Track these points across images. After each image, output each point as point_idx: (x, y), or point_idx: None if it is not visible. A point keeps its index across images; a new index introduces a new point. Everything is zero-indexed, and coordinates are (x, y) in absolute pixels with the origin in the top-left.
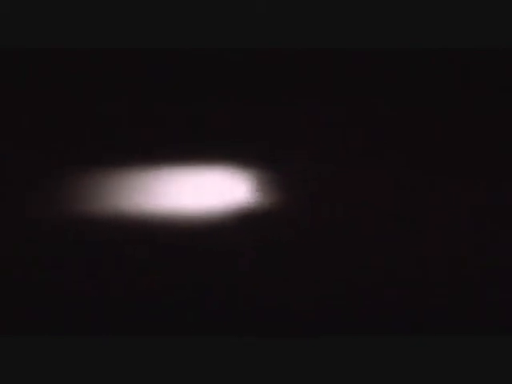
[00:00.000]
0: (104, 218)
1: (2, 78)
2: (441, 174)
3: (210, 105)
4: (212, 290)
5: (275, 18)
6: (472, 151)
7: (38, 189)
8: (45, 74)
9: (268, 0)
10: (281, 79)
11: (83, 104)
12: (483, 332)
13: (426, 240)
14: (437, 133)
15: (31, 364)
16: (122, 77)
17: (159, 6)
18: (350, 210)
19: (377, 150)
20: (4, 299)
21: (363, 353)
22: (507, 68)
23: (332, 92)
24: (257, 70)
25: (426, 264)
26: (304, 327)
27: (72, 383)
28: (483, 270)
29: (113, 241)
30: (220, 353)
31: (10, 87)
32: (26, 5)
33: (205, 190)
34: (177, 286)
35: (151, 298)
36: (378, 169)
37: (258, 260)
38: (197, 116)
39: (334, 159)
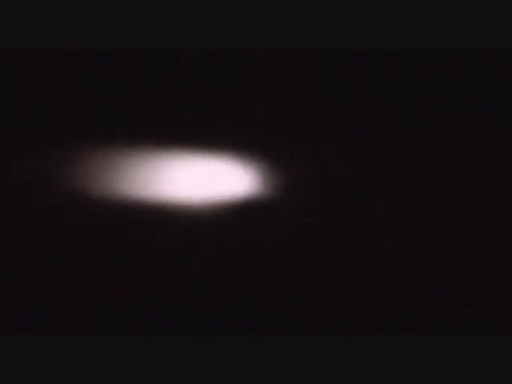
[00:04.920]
0: (104, 206)
1: (2, 77)
2: (442, 173)
3: (209, 103)
4: (209, 281)
5: (275, 18)
6: (473, 146)
7: (38, 187)
8: (45, 74)
9: (268, 0)
10: (281, 79)
11: (84, 99)
12: (483, 332)
13: (427, 237)
14: (436, 130)
15: (30, 364)
16: (122, 76)
17: (159, 5)
18: (350, 205)
19: (375, 146)
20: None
21: (363, 353)
22: (507, 68)
23: (332, 91)
24: (257, 69)
25: (425, 262)
26: (305, 324)
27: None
28: (486, 269)
29: (109, 230)
30: (216, 350)
31: (10, 87)
32: (25, 5)
33: (205, 181)
34: (173, 277)
35: (144, 290)
36: (377, 163)
37: (256, 252)
38: (200, 114)
39: (332, 154)
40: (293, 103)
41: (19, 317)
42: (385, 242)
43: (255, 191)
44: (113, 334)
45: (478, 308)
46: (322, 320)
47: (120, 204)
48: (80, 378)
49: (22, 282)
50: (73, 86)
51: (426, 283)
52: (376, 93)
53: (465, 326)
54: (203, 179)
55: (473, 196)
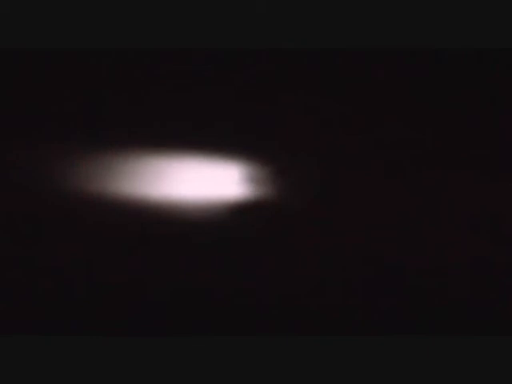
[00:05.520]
0: (105, 208)
1: (2, 78)
2: (442, 173)
3: (209, 104)
4: (208, 284)
5: (275, 18)
6: (474, 147)
7: (37, 187)
8: (45, 74)
9: (268, 0)
10: (280, 79)
11: (85, 99)
12: (483, 332)
13: (427, 238)
14: (437, 130)
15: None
16: (123, 76)
17: (159, 5)
18: (350, 205)
19: (375, 146)
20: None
21: (363, 353)
22: (507, 68)
23: (332, 91)
24: (257, 70)
25: (426, 262)
26: (305, 324)
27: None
28: (486, 269)
29: (109, 232)
30: (216, 350)
31: (9, 87)
32: (25, 5)
33: (203, 183)
34: (171, 279)
35: (144, 291)
36: (377, 163)
37: (256, 252)
38: (199, 114)
39: (332, 156)
40: (292, 103)
41: (19, 317)
42: (385, 242)
43: (255, 192)
44: (113, 334)
45: (478, 308)
46: (322, 320)
47: (120, 205)
48: (80, 378)
49: (21, 282)
50: (73, 86)
51: (425, 283)
52: (376, 93)
53: (465, 326)
54: (203, 180)
55: (473, 196)
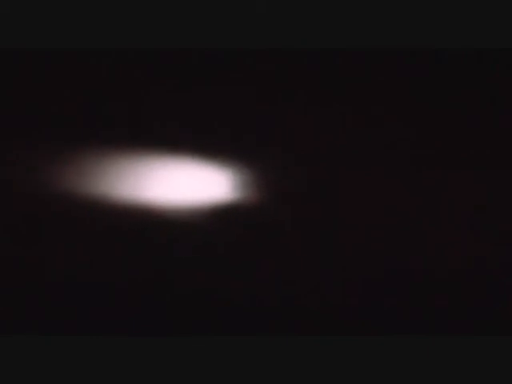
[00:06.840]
0: (95, 208)
1: (2, 78)
2: (442, 173)
3: (210, 103)
4: (208, 284)
5: (275, 18)
6: (472, 147)
7: (39, 187)
8: (44, 74)
9: (268, 0)
10: (280, 79)
11: (85, 99)
12: (483, 332)
13: (426, 238)
14: (437, 130)
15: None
16: (120, 76)
17: (159, 5)
18: (350, 206)
19: (375, 148)
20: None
21: (363, 353)
22: (507, 68)
23: (332, 91)
24: (257, 70)
25: (425, 262)
26: (305, 324)
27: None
28: (485, 269)
29: (97, 233)
30: (207, 352)
31: (10, 87)
32: (25, 5)
33: (203, 184)
34: (172, 279)
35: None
36: (377, 164)
37: (256, 253)
38: (199, 114)
39: (332, 156)
40: (292, 103)
41: (19, 317)
42: (385, 242)
43: (255, 193)
44: (113, 334)
45: (478, 308)
46: (322, 320)
47: (121, 205)
48: (80, 378)
49: (21, 282)
50: (73, 86)
51: (425, 283)
52: (376, 93)
53: (465, 326)
54: (203, 181)
55: (473, 196)
